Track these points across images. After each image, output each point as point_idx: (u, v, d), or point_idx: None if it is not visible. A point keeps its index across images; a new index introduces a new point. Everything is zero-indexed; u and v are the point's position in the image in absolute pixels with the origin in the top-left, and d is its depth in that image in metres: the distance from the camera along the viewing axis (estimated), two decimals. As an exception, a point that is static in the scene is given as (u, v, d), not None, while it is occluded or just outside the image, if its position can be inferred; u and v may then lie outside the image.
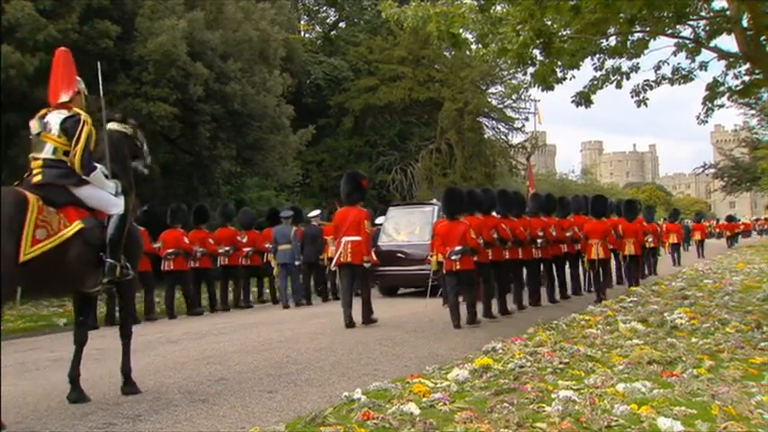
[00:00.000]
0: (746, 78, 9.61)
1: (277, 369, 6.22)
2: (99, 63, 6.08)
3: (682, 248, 24.20)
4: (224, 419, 4.55)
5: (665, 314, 8.45)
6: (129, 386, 5.37)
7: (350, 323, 8.90)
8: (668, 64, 9.83)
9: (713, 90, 9.86)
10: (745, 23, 8.10)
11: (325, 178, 28.48)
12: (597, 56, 9.75)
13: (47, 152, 4.98)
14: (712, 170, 44.17)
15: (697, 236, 27.45)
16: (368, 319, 9.24)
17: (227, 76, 16.26)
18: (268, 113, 17.79)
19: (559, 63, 8.96)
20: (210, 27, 16.20)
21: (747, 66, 9.29)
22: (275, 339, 8.03)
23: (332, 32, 33.29)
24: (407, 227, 14.34)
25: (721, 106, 10.27)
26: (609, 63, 9.82)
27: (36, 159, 4.99)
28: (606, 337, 7.07)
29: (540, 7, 7.52)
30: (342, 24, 33.71)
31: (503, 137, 33.40)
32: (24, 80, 12.46)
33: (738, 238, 39.88)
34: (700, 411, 4.17)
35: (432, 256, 10.30)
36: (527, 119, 33.54)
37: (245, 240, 12.98)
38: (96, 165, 5.02)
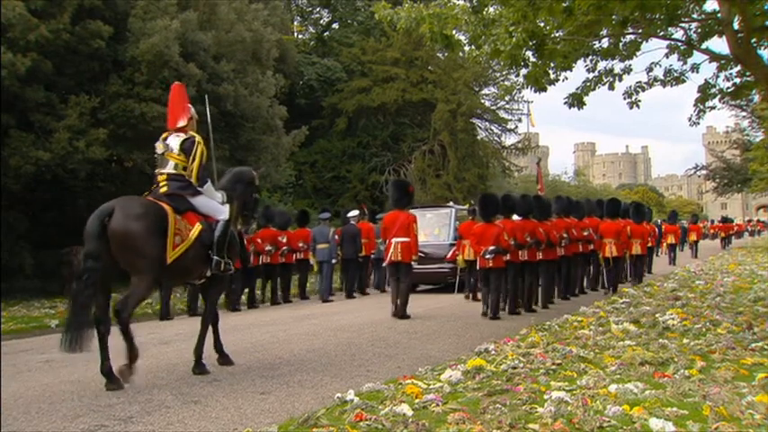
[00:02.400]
0: (738, 80, 9.68)
1: (270, 370, 6.22)
2: (206, 96, 8.03)
3: (678, 249, 24.83)
4: (216, 421, 4.54)
5: (657, 315, 8.49)
6: (223, 358, 6.44)
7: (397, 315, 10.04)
8: (660, 66, 9.92)
9: (705, 92, 9.92)
10: (736, 26, 8.14)
11: (318, 179, 28.46)
12: (590, 57, 9.79)
13: (169, 168, 6.10)
14: (704, 171, 44.30)
15: (693, 236, 28.11)
16: (403, 312, 10.03)
17: (219, 76, 16.22)
18: (261, 114, 17.77)
19: (552, 64, 8.97)
20: (203, 28, 16.15)
21: (738, 68, 9.35)
22: (268, 341, 8.01)
23: (325, 33, 33.26)
24: (427, 228, 15.01)
25: (713, 108, 10.35)
26: (601, 65, 9.87)
27: (161, 174, 6.09)
28: (598, 339, 7.08)
29: (532, 9, 7.54)
30: (335, 25, 33.68)
31: (496, 138, 33.44)
32: (16, 80, 12.40)
33: (732, 239, 40.16)
34: (691, 412, 4.18)
35: (458, 255, 12.67)
36: (520, 120, 33.61)
37: (284, 240, 13.50)
38: (208, 178, 6.23)
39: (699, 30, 9.39)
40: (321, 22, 34.31)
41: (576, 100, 9.71)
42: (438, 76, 29.25)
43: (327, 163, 28.65)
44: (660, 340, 6.76)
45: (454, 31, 8.67)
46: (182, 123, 6.28)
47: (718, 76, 9.80)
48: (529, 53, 8.42)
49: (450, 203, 17.15)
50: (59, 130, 13.24)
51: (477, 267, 10.26)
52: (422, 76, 29.30)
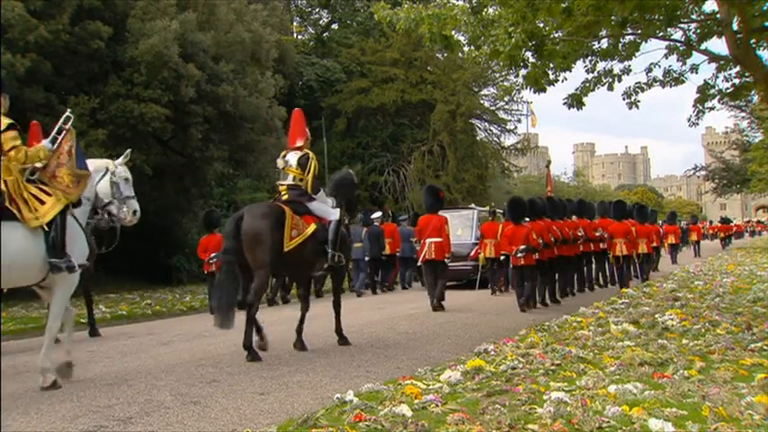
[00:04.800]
0: (737, 81, 9.68)
1: (269, 371, 6.21)
2: (322, 119, 9.41)
3: (679, 249, 25.16)
4: (215, 421, 4.54)
5: (657, 316, 8.48)
6: (342, 339, 7.67)
7: (435, 308, 11.03)
8: (659, 66, 9.90)
9: (704, 92, 9.92)
10: (735, 27, 8.15)
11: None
12: (589, 58, 9.78)
13: (289, 180, 7.39)
14: (703, 172, 44.39)
15: (693, 237, 28.40)
16: (439, 303, 11.07)
17: (219, 77, 16.22)
18: (260, 115, 17.78)
19: (551, 65, 8.97)
20: (202, 28, 16.15)
21: (737, 68, 9.35)
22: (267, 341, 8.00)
23: (324, 34, 33.24)
24: (450, 228, 15.41)
25: (712, 108, 10.37)
26: (601, 65, 9.86)
27: (282, 185, 7.41)
28: (598, 339, 7.08)
29: (531, 9, 7.54)
30: (334, 26, 33.68)
31: (495, 139, 33.43)
32: (15, 81, 12.39)
33: (731, 239, 40.24)
34: (691, 412, 4.18)
35: (480, 253, 14.05)
36: (519, 120, 33.60)
37: None
38: (320, 187, 7.50)
39: (698, 30, 9.39)
40: (320, 22, 34.31)
41: (575, 100, 9.71)
42: (437, 76, 29.24)
43: (327, 164, 28.62)
44: (659, 341, 6.75)
45: (453, 32, 8.68)
46: (300, 143, 7.53)
47: (717, 77, 9.81)
48: (528, 54, 8.41)
49: (472, 205, 18.01)
50: (58, 130, 13.22)
51: (511, 265, 11.46)
52: (421, 77, 29.29)
